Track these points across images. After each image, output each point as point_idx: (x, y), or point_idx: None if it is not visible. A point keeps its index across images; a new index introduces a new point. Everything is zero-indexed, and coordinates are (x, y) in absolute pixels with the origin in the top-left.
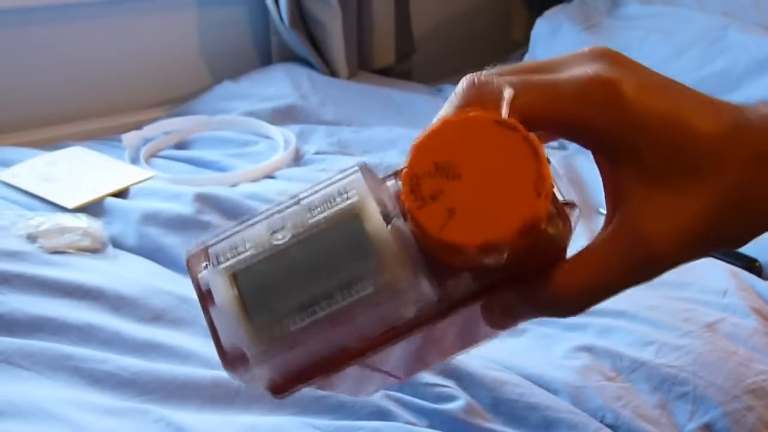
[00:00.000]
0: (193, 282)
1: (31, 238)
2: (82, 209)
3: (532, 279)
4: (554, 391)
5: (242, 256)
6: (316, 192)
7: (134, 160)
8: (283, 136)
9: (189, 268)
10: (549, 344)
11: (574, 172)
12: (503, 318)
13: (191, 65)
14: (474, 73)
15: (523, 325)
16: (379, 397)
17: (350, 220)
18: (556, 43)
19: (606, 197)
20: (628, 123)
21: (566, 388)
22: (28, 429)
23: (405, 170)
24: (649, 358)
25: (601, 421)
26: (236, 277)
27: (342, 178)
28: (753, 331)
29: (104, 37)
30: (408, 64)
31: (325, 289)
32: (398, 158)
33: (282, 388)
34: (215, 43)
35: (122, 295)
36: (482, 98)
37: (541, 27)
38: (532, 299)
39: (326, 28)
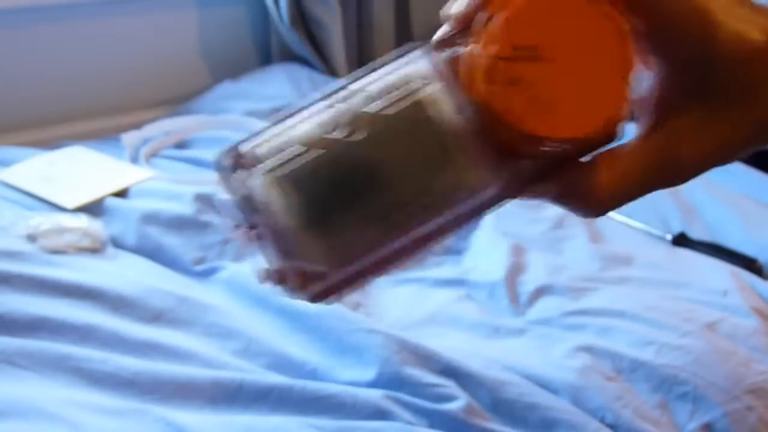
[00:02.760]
0: (231, 191)
1: (31, 238)
2: (82, 209)
3: (572, 169)
4: (554, 391)
5: (299, 158)
6: (376, 80)
7: (134, 160)
8: None
9: (223, 178)
10: (549, 344)
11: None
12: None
13: (191, 65)
14: None
15: (522, 326)
16: (379, 397)
17: (420, 112)
18: None
19: (647, 99)
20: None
21: (566, 388)
22: (28, 429)
23: (480, 51)
24: (649, 358)
25: (601, 421)
26: (297, 182)
27: (406, 63)
28: (753, 331)
29: (104, 37)
30: None
31: (396, 190)
32: None
33: (332, 291)
34: (215, 43)
35: (122, 295)
36: None
37: None
38: (571, 190)
39: (326, 28)
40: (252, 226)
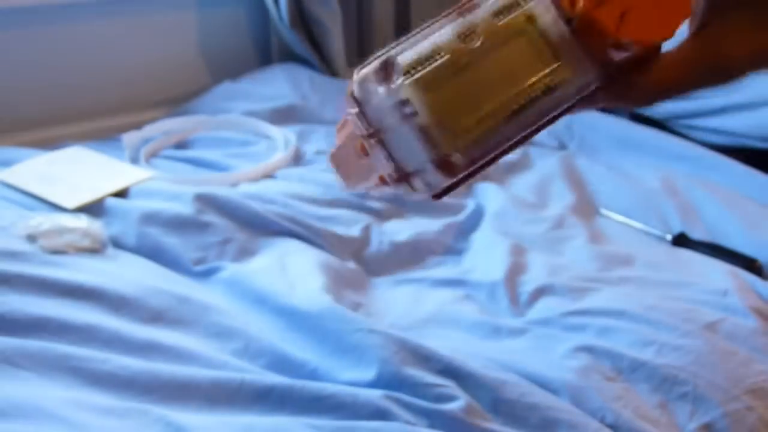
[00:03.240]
0: (371, 99)
1: (31, 238)
2: (82, 209)
3: (636, 67)
4: (554, 391)
5: (438, 62)
6: None
7: (134, 160)
8: (283, 136)
9: (362, 87)
10: (549, 344)
11: (575, 172)
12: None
13: (191, 65)
14: None
15: (522, 326)
16: (378, 397)
17: (532, 23)
18: None
19: (698, 3)
20: None
21: (566, 388)
22: (28, 429)
23: None
24: (649, 358)
25: (601, 421)
26: (434, 82)
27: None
28: (753, 331)
29: (104, 37)
30: None
31: (517, 89)
32: None
33: (456, 185)
34: (215, 43)
35: (122, 295)
36: None
37: None
38: (633, 85)
39: (326, 28)
40: (372, 134)
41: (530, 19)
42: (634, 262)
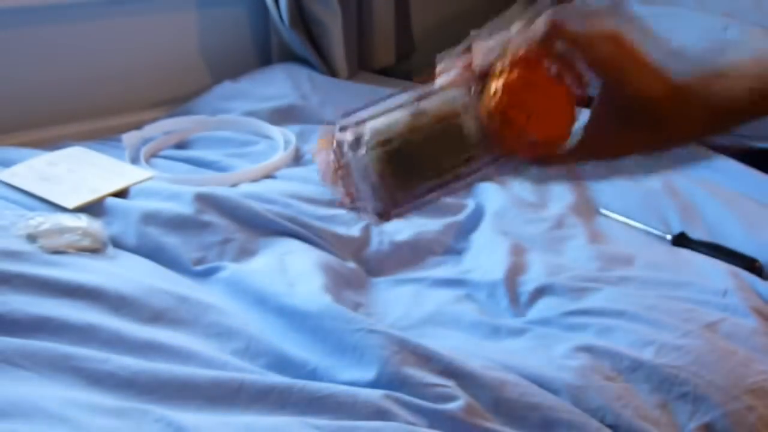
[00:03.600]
0: (337, 148)
1: (31, 238)
2: (82, 209)
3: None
4: (554, 391)
5: (394, 141)
6: (433, 96)
7: (134, 160)
8: (283, 136)
9: (339, 144)
10: (549, 344)
11: (575, 172)
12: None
13: (191, 65)
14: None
15: (522, 326)
16: (379, 397)
17: (458, 121)
18: None
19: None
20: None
21: (566, 388)
22: (28, 429)
23: (496, 90)
24: (649, 358)
25: (602, 421)
26: (389, 155)
27: (452, 94)
28: (753, 331)
29: (104, 37)
30: (408, 64)
31: (445, 162)
32: None
33: (390, 216)
34: (215, 43)
35: (122, 295)
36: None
37: None
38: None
39: (326, 28)
40: (342, 167)
41: (463, 110)
42: (634, 262)
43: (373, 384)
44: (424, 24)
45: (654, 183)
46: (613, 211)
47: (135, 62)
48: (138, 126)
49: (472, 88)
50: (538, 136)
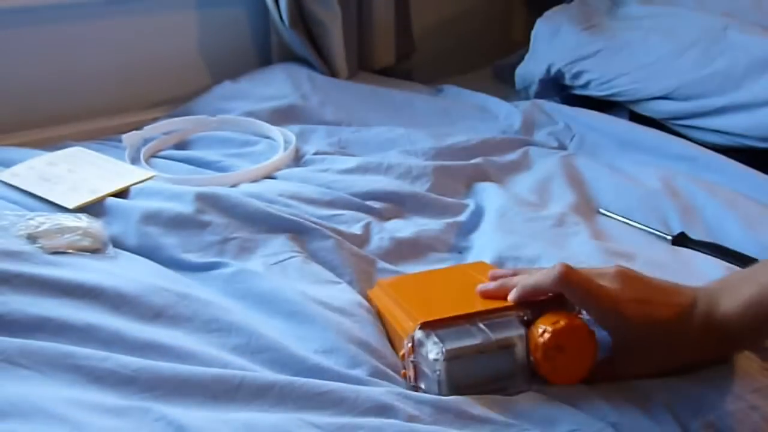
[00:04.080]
0: (415, 349)
1: (31, 238)
2: (83, 209)
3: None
4: (556, 390)
5: (459, 355)
6: (495, 327)
7: (134, 160)
8: (283, 136)
9: (415, 339)
10: None
11: (575, 172)
12: None
13: (191, 65)
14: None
15: None
16: (380, 393)
17: (513, 350)
18: (556, 44)
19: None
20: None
21: (568, 387)
22: (28, 429)
23: (541, 342)
24: None
25: (603, 420)
26: (450, 365)
27: (509, 330)
28: None
29: (104, 37)
30: (408, 64)
31: (491, 380)
32: (398, 158)
33: None
34: (215, 43)
35: (122, 293)
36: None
37: (541, 27)
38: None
39: (326, 28)
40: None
41: (513, 348)
42: (635, 261)
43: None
44: (424, 24)
45: (654, 183)
46: (613, 211)
47: (135, 62)
48: (138, 126)
49: (525, 318)
50: (558, 381)
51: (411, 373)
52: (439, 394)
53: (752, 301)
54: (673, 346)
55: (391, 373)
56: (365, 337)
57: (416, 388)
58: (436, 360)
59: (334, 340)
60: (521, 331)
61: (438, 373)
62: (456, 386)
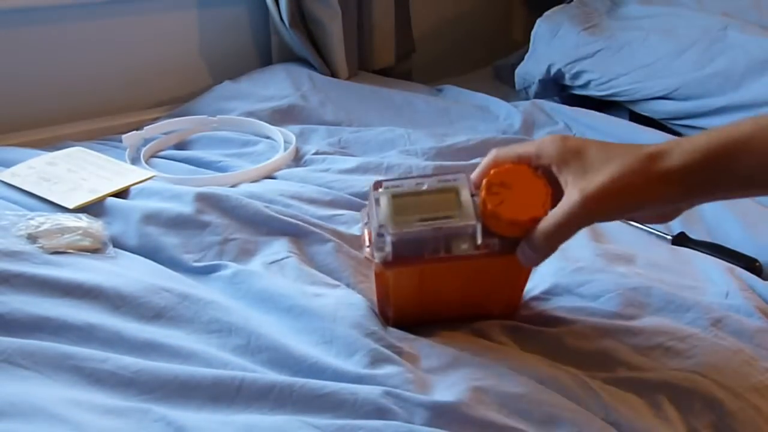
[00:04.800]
0: (372, 196)
1: (31, 238)
2: (83, 209)
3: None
4: (558, 389)
5: (398, 189)
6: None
7: (134, 161)
8: (283, 136)
9: (371, 190)
10: None
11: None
12: (523, 258)
13: (191, 65)
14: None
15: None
16: (379, 395)
17: (456, 190)
18: (556, 44)
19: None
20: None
21: (569, 387)
22: (28, 429)
23: (484, 182)
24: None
25: (604, 419)
26: (393, 196)
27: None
28: (757, 330)
29: (104, 37)
30: (408, 64)
31: (435, 214)
32: (398, 158)
33: (392, 264)
34: (215, 43)
35: (122, 293)
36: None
37: (541, 27)
38: (528, 243)
39: (326, 28)
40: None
41: (458, 189)
42: (635, 261)
43: (375, 377)
44: (424, 24)
45: None
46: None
47: (135, 62)
48: (138, 126)
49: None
50: (509, 216)
51: (366, 237)
52: (385, 224)
53: (710, 147)
54: (625, 170)
55: (390, 353)
56: (362, 320)
57: (372, 257)
58: (382, 198)
59: (332, 330)
60: (466, 182)
61: (384, 207)
62: (400, 215)
